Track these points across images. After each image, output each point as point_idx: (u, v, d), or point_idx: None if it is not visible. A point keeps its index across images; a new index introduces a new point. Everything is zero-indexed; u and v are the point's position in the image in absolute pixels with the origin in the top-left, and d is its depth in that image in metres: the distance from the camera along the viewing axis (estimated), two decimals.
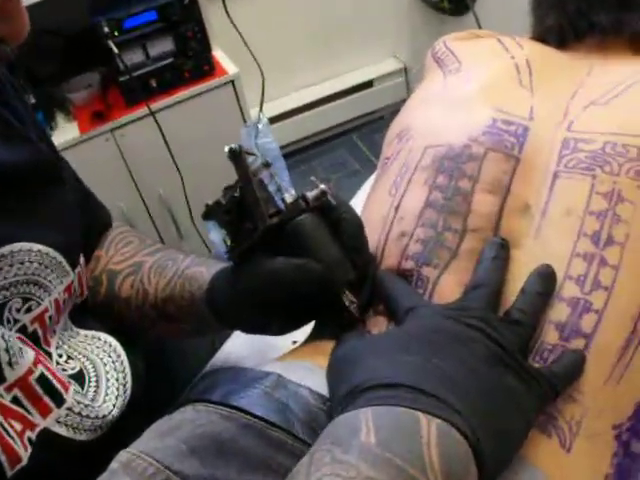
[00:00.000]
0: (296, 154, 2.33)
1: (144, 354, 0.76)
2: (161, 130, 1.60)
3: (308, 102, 2.28)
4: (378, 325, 0.57)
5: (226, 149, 0.55)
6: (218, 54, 1.73)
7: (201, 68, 1.61)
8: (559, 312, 0.51)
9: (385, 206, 0.62)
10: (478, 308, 0.49)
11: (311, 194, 0.56)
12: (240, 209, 0.56)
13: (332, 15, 2.20)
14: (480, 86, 0.65)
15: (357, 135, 2.37)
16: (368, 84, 2.34)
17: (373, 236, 0.60)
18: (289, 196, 0.57)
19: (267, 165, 0.59)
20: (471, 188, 0.57)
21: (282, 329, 0.60)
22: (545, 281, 0.51)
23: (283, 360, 0.58)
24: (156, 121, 1.58)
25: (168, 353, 0.90)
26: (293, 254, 0.54)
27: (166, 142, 1.63)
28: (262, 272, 0.54)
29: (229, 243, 0.58)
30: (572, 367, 0.49)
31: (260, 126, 1.56)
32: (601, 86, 0.62)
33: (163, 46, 1.56)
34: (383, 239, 0.60)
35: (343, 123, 2.38)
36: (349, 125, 2.39)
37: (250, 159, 0.57)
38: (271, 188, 0.59)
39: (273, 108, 2.23)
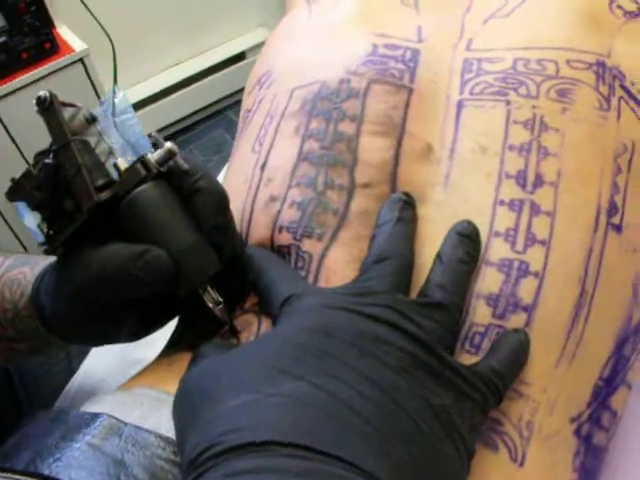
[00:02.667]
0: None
1: None
2: (2, 122, 1.39)
3: (175, 82, 2.08)
4: (248, 327, 0.42)
5: (34, 100, 0.41)
6: (63, 30, 1.52)
7: (42, 47, 1.40)
8: (489, 281, 0.39)
9: (248, 166, 0.48)
10: (383, 291, 0.35)
11: (153, 156, 0.40)
12: (57, 182, 0.41)
13: None
14: (352, 10, 0.53)
15: (234, 112, 2.21)
16: (240, 57, 2.18)
17: (236, 205, 0.47)
18: (124, 161, 0.42)
19: (93, 120, 0.43)
20: (355, 131, 0.44)
21: (132, 335, 0.45)
22: (467, 243, 0.38)
23: (123, 389, 0.43)
24: None
25: (13, 381, 0.73)
26: (133, 240, 0.39)
27: (10, 135, 1.42)
28: (89, 267, 0.39)
29: (46, 230, 0.42)
30: (516, 356, 0.36)
31: (117, 101, 1.36)
32: None
33: None
34: (249, 208, 0.46)
35: (217, 101, 2.20)
36: (224, 102, 2.22)
37: (68, 112, 0.42)
38: (100, 151, 0.43)
39: (137, 92, 2.03)
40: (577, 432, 0.39)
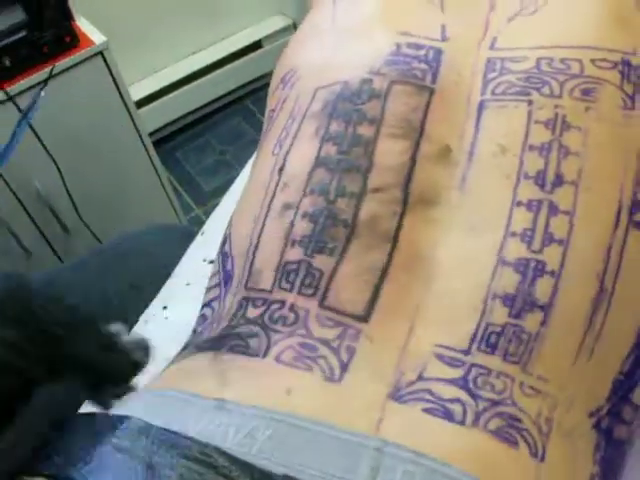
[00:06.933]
0: (188, 128, 2.16)
1: None
2: (25, 116, 1.40)
3: (192, 71, 2.09)
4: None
5: None
6: (83, 23, 1.54)
7: (62, 40, 1.41)
8: (505, 281, 0.39)
9: (267, 169, 0.48)
10: None
11: None
12: None
13: None
14: (376, 8, 0.53)
15: (251, 101, 2.21)
16: (257, 45, 2.17)
17: (253, 209, 0.47)
18: None
19: None
20: (374, 134, 0.44)
21: None
22: None
23: (147, 390, 0.44)
24: (17, 107, 1.38)
25: None
26: None
27: (33, 129, 1.43)
28: None
29: None
30: None
31: None
32: None
33: (12, 17, 1.34)
34: (263, 214, 0.46)
35: (235, 90, 2.20)
36: (242, 91, 2.22)
37: None
38: None
39: (155, 81, 2.05)
40: (597, 426, 0.40)
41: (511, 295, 0.39)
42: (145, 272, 0.85)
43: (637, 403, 0.42)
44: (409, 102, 0.45)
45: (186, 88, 2.11)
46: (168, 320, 0.69)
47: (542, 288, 0.39)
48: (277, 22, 2.21)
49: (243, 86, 2.21)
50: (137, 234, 0.96)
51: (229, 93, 2.20)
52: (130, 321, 0.73)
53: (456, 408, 0.36)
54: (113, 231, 1.44)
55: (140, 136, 1.62)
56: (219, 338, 0.43)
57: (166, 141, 2.13)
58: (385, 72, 0.47)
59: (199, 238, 0.77)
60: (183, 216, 1.81)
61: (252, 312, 0.43)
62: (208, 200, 1.93)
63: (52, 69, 1.39)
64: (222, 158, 2.05)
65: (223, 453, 0.33)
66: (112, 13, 1.80)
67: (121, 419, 0.37)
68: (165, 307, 0.71)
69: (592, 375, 0.40)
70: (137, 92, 1.98)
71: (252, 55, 2.17)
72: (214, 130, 2.15)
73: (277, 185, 0.46)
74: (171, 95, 2.09)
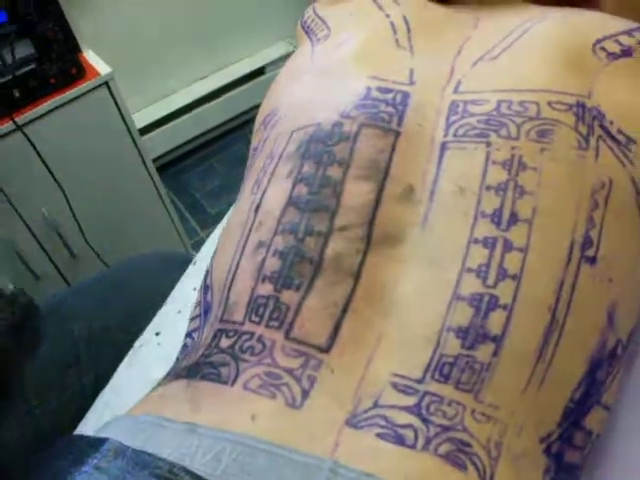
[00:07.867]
0: (193, 153, 2.21)
1: None
2: (33, 145, 1.45)
3: (197, 98, 2.15)
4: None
5: None
6: (89, 55, 1.58)
7: (68, 72, 1.46)
8: (459, 315, 0.41)
9: (246, 208, 0.51)
10: None
11: None
12: None
13: (211, 3, 2.07)
14: (350, 52, 0.56)
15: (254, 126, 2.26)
16: (260, 71, 2.23)
17: (230, 247, 0.49)
18: None
19: None
20: (342, 176, 0.47)
21: None
22: None
23: (128, 415, 0.47)
24: (26, 136, 1.43)
25: None
26: None
27: (41, 158, 1.48)
28: None
29: None
30: None
31: None
32: (490, 38, 0.54)
33: (22, 51, 1.39)
34: (239, 252, 0.48)
35: (238, 115, 2.26)
36: (245, 117, 2.27)
37: None
38: None
39: (160, 108, 2.11)
40: (547, 450, 0.42)
41: (464, 328, 0.41)
42: (145, 298, 0.88)
43: (589, 429, 0.44)
44: (376, 144, 0.48)
45: (192, 114, 2.17)
46: (160, 346, 0.72)
47: (494, 321, 0.41)
48: (280, 49, 2.27)
49: (247, 112, 2.26)
50: (139, 260, 1.00)
51: (233, 119, 2.26)
52: (129, 345, 0.77)
53: (408, 433, 0.39)
54: (119, 255, 1.48)
55: (144, 162, 1.66)
56: (194, 366, 0.46)
57: (172, 166, 2.18)
58: (355, 115, 0.50)
59: (191, 267, 0.81)
60: (187, 240, 1.84)
61: (224, 342, 0.46)
62: (212, 224, 1.97)
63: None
64: (226, 182, 2.10)
65: (189, 472, 0.36)
66: (118, 43, 1.85)
67: (102, 441, 0.40)
68: (158, 333, 0.74)
69: (543, 402, 0.42)
70: (144, 118, 2.03)
71: (255, 81, 2.23)
72: (218, 155, 2.20)
73: (253, 223, 0.49)
74: (177, 121, 2.14)
